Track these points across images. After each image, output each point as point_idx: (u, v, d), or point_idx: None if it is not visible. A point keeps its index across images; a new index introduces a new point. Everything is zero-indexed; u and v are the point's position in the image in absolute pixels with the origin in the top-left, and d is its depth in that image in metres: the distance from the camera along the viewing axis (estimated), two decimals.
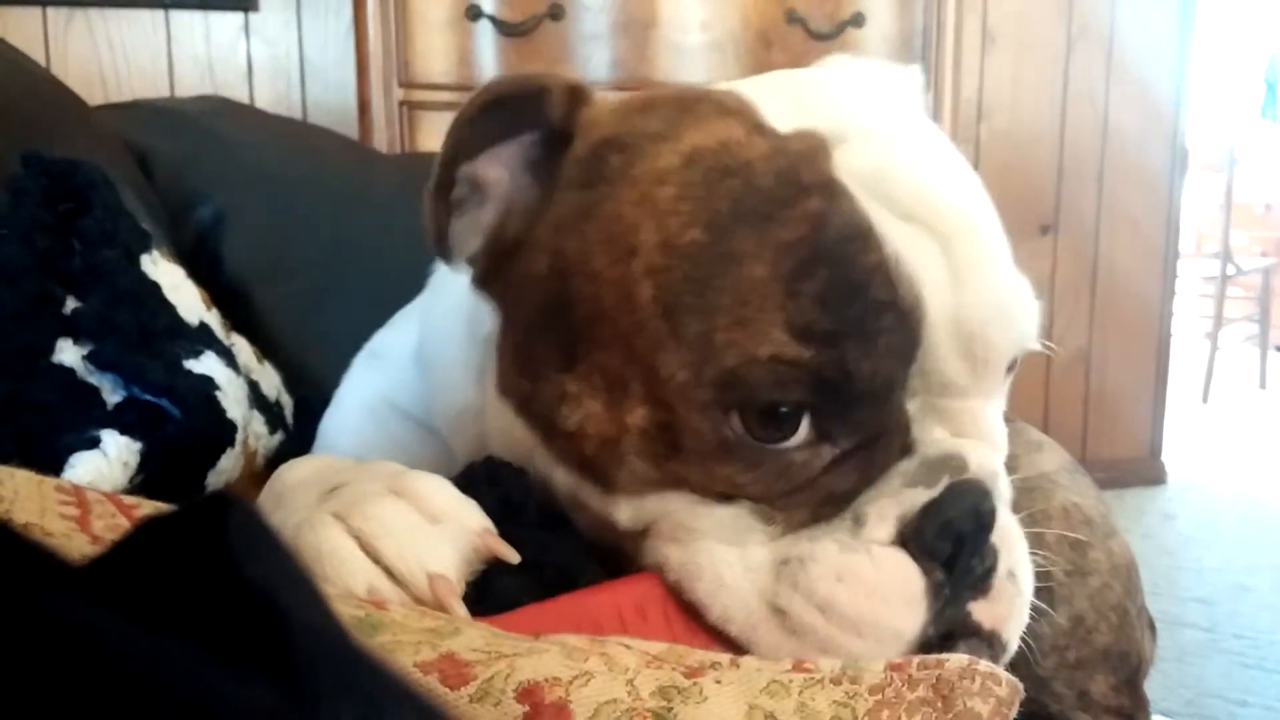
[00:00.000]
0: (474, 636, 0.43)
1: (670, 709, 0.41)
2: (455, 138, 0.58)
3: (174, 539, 0.19)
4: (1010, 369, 0.58)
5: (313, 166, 1.19)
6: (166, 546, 0.19)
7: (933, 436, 0.55)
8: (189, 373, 0.73)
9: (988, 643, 0.55)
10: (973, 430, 0.56)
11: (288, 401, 0.92)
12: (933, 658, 0.48)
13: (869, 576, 0.53)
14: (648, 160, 0.54)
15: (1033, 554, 0.80)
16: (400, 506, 0.51)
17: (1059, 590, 0.79)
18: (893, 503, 0.53)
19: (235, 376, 0.79)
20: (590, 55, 1.91)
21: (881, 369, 0.51)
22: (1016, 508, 0.84)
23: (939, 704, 0.45)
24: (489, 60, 1.90)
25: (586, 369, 0.55)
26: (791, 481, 0.54)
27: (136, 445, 0.65)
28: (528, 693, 0.40)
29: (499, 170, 0.59)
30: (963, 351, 0.53)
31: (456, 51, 1.90)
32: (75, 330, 0.69)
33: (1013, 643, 0.57)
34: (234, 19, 2.23)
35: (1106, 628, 0.80)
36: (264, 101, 2.21)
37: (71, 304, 0.70)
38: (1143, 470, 2.95)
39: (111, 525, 0.43)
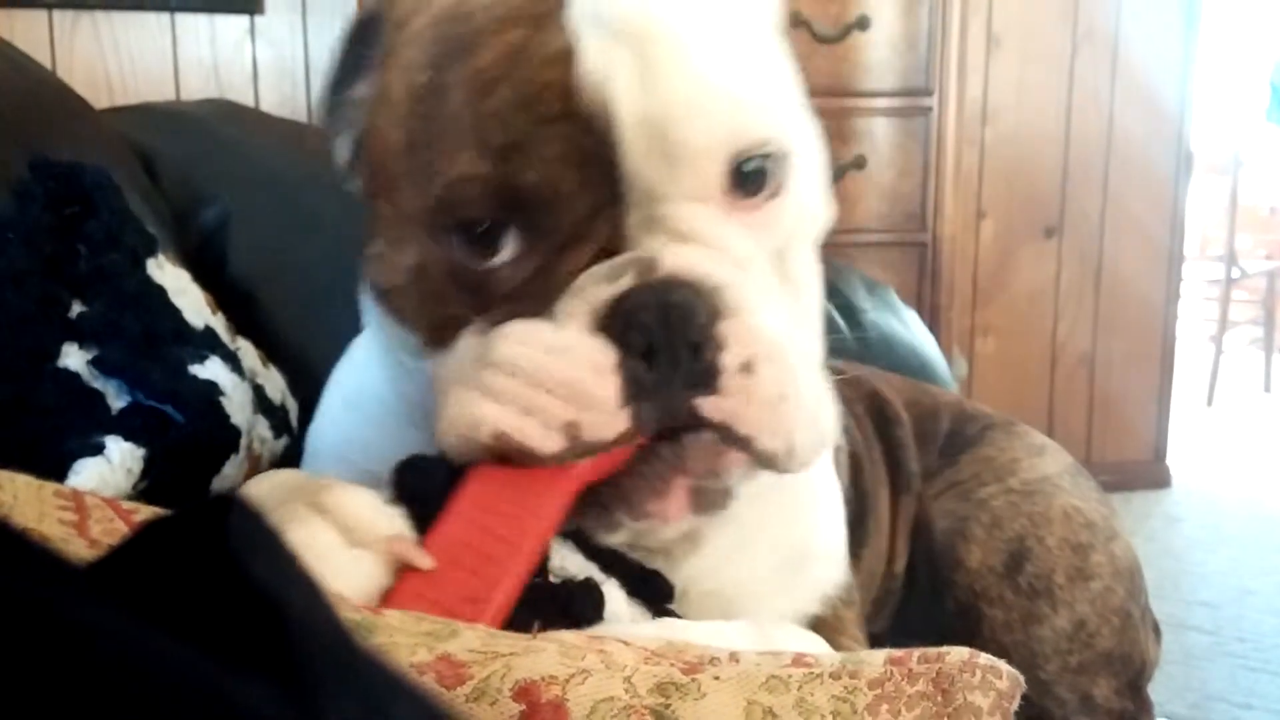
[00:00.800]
0: (470, 638, 0.43)
1: (669, 706, 0.41)
2: (333, 65, 0.65)
3: (178, 540, 0.19)
4: (748, 176, 0.56)
5: (318, 168, 1.19)
6: (170, 547, 0.19)
7: (646, 245, 0.55)
8: (193, 378, 0.73)
9: (722, 436, 0.54)
10: (691, 236, 0.55)
11: (293, 405, 0.92)
12: (933, 651, 0.47)
13: (549, 338, 0.54)
14: (407, 30, 0.60)
15: (1036, 561, 0.80)
16: (317, 526, 0.52)
17: (1060, 594, 0.79)
18: (580, 301, 0.54)
19: (240, 381, 0.79)
20: None
21: (552, 176, 0.53)
22: (1016, 511, 0.85)
23: (939, 698, 0.45)
24: None
25: (383, 227, 0.61)
26: (507, 299, 0.56)
27: (140, 451, 0.65)
28: (524, 691, 0.40)
29: (367, 87, 0.63)
30: (658, 152, 0.53)
31: None
32: (80, 334, 0.69)
33: (764, 438, 0.54)
34: (239, 22, 2.24)
35: (1109, 631, 0.79)
36: (269, 104, 2.21)
37: (77, 308, 0.70)
38: (1147, 474, 2.95)
39: (109, 530, 0.43)
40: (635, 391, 0.53)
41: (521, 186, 0.54)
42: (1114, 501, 0.89)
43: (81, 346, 0.68)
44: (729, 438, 0.54)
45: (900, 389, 0.98)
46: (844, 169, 2.09)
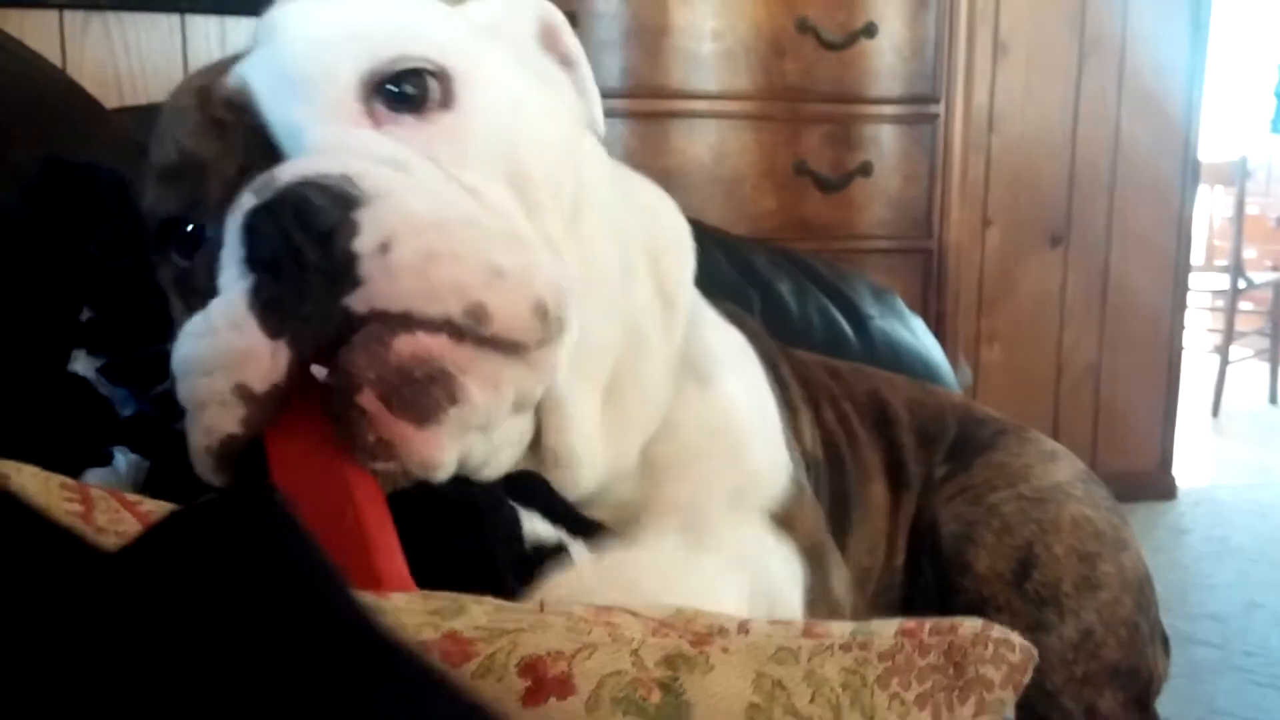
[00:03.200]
0: (478, 614, 0.42)
1: (676, 679, 0.41)
2: None
3: (212, 525, 0.19)
4: (398, 95, 0.55)
5: None
6: (205, 532, 0.19)
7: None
8: None
9: (386, 325, 0.49)
10: (322, 150, 0.53)
11: None
12: (945, 622, 0.46)
13: (211, 315, 0.52)
14: None
15: (1043, 568, 0.80)
16: None
17: (1067, 603, 0.79)
18: (226, 253, 0.52)
19: None
20: (602, 62, 1.91)
21: (190, 147, 0.56)
22: (1026, 517, 0.84)
23: (950, 670, 0.44)
24: None
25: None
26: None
27: (145, 463, 0.65)
28: (530, 667, 0.39)
29: None
30: (286, 93, 0.54)
31: None
32: (90, 340, 0.69)
33: (424, 305, 0.49)
34: (249, 23, 2.24)
35: (1116, 643, 0.79)
36: None
37: (86, 313, 0.70)
38: (1153, 484, 2.94)
39: (115, 519, 0.43)
40: (278, 318, 0.49)
41: (168, 167, 0.56)
42: (1133, 534, 0.89)
43: (90, 353, 0.68)
44: (390, 322, 0.48)
45: (903, 389, 0.98)
46: (850, 175, 2.09)
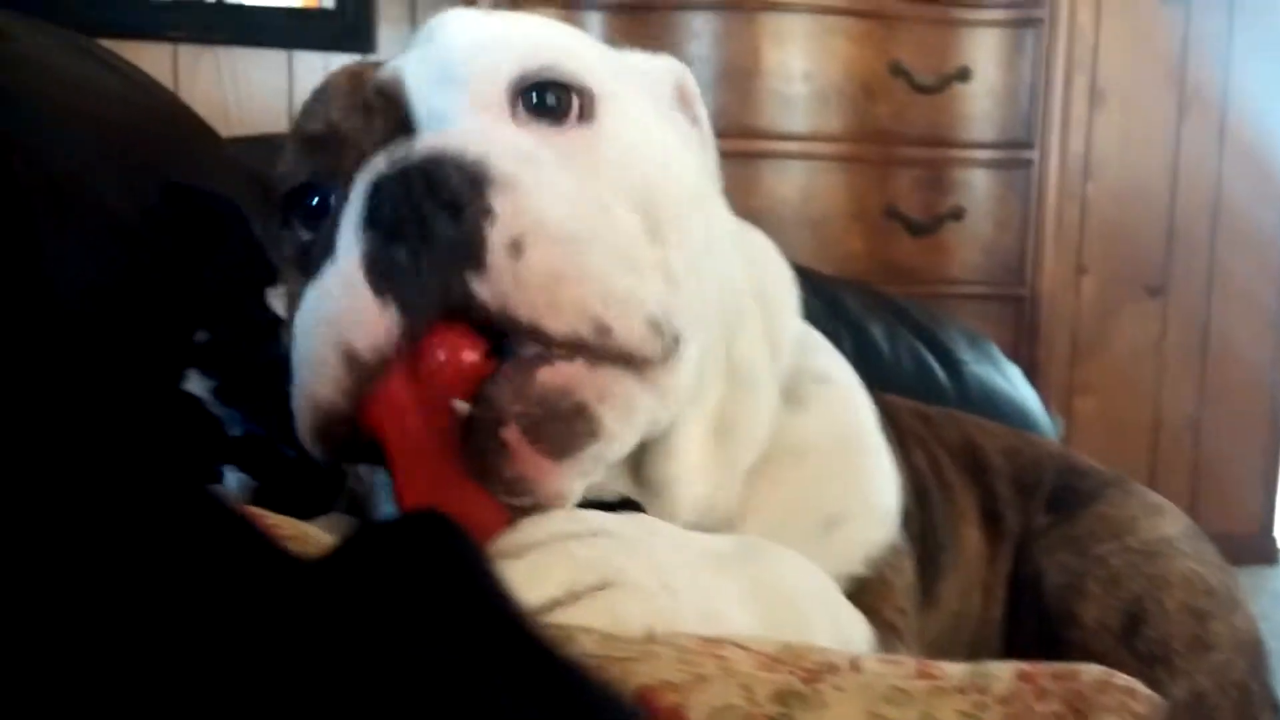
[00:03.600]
0: (587, 643, 0.42)
1: (789, 715, 0.40)
2: None
3: (401, 542, 0.20)
4: (542, 104, 0.56)
5: None
6: (394, 551, 0.20)
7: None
8: None
9: (499, 330, 0.48)
10: (471, 127, 0.54)
11: None
12: (1065, 667, 0.44)
13: (324, 280, 0.52)
14: None
15: (1154, 624, 0.77)
16: None
17: (1179, 662, 0.76)
18: (346, 219, 0.52)
19: None
20: None
21: (336, 120, 0.57)
22: (1135, 570, 0.82)
23: (1071, 719, 0.43)
24: None
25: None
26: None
27: (254, 484, 0.66)
28: (643, 698, 0.39)
29: None
30: (439, 82, 0.55)
31: None
32: (203, 361, 0.71)
33: (550, 321, 0.48)
34: (353, 60, 2.30)
35: (1229, 706, 0.76)
36: None
37: (201, 335, 0.73)
38: (1254, 547, 2.84)
39: None
40: (390, 282, 0.48)
41: (311, 136, 0.57)
42: (1244, 594, 0.85)
43: (204, 374, 0.70)
44: (511, 326, 0.48)
45: (999, 436, 0.96)
46: (941, 220, 2.07)
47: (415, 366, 0.48)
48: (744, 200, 2.04)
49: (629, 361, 0.50)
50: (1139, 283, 2.75)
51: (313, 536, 0.45)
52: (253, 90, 2.27)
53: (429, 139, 0.52)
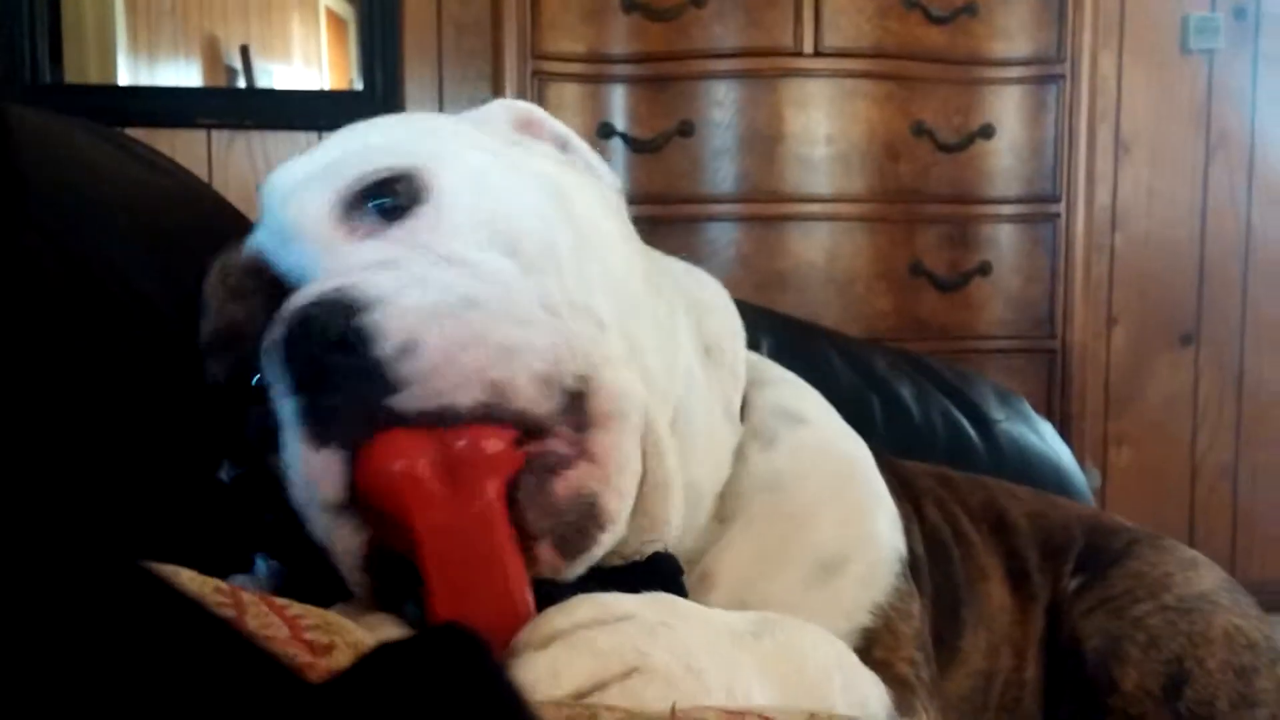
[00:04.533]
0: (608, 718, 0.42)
1: None
2: None
3: (418, 663, 0.20)
4: (369, 207, 0.59)
5: None
6: (412, 669, 0.20)
7: None
8: None
9: (438, 423, 0.50)
10: (323, 273, 0.56)
11: None
12: None
13: (289, 469, 0.54)
14: None
15: (1196, 685, 0.76)
16: None
17: None
18: (273, 383, 0.54)
19: None
20: (718, 169, 1.95)
21: (216, 311, 0.63)
22: (1174, 630, 0.80)
23: None
24: (620, 175, 1.96)
25: None
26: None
27: (281, 569, 0.67)
28: None
29: None
30: (280, 237, 0.60)
31: None
32: (232, 449, 0.72)
33: (463, 393, 0.50)
34: None
35: None
36: None
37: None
38: None
39: (265, 624, 0.44)
40: (326, 429, 0.51)
41: (210, 344, 0.62)
42: None
43: (234, 464, 0.71)
44: (442, 420, 0.50)
45: (1025, 500, 0.95)
46: (968, 276, 2.07)
47: (441, 464, 0.50)
48: (769, 263, 2.06)
49: (525, 426, 0.52)
50: (1171, 331, 2.73)
51: (334, 625, 0.45)
52: None
53: (295, 297, 0.55)
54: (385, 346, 0.50)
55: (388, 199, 0.59)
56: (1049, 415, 1.66)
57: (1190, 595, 0.82)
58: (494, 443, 0.50)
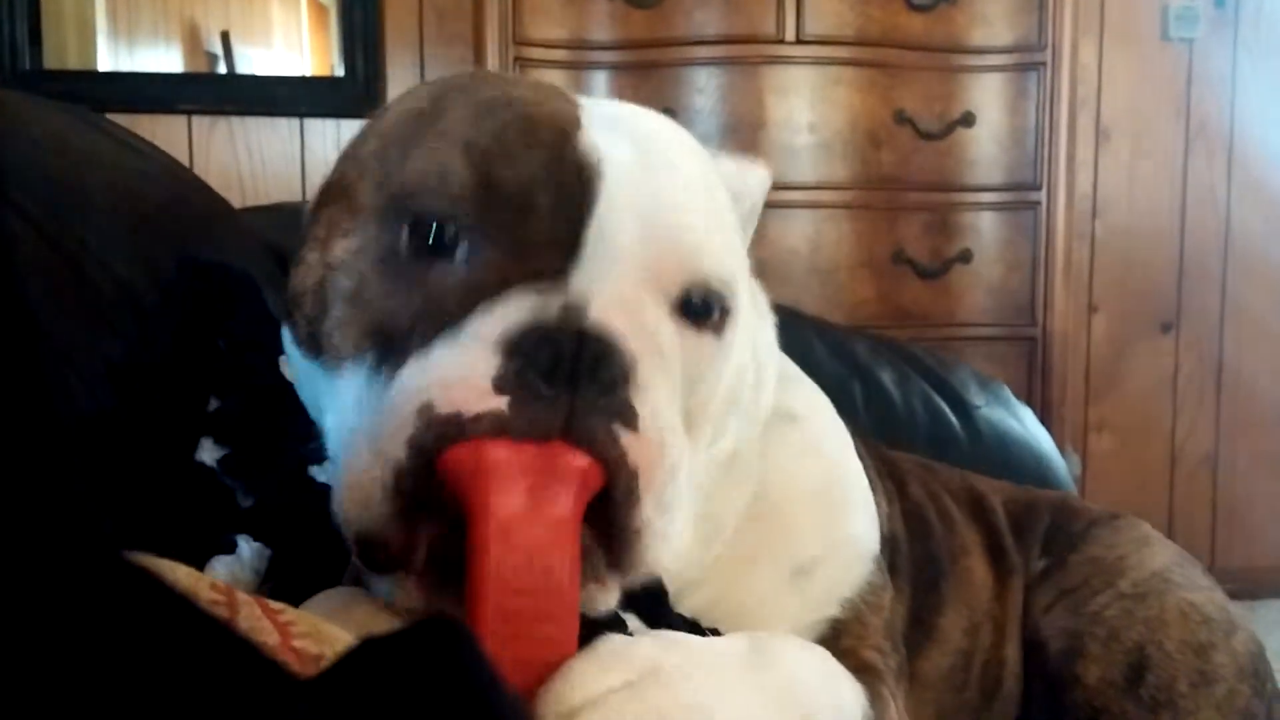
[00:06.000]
0: None
1: None
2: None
3: (404, 658, 0.20)
4: (690, 306, 0.57)
5: None
6: (397, 664, 0.20)
7: (583, 294, 0.53)
8: (311, 482, 0.75)
9: (627, 488, 0.50)
10: (626, 309, 0.53)
11: None
12: None
13: (437, 358, 0.51)
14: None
15: (1156, 669, 0.77)
16: None
17: (1184, 704, 0.75)
18: (493, 320, 0.51)
19: None
20: None
21: (528, 189, 0.54)
22: (1131, 618, 0.82)
23: None
24: None
25: (319, 228, 0.60)
26: (433, 301, 0.53)
27: (267, 552, 0.67)
28: None
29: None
30: (633, 234, 0.55)
31: None
32: (215, 430, 0.72)
33: (648, 510, 0.51)
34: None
35: None
36: None
37: (214, 403, 0.74)
38: (1275, 581, 2.80)
39: (256, 627, 0.44)
40: (524, 392, 0.49)
41: (497, 185, 0.54)
42: (1240, 611, 0.85)
43: (216, 442, 0.71)
44: (629, 490, 0.50)
45: (998, 487, 0.97)
46: (949, 263, 2.08)
47: (543, 466, 0.49)
48: (752, 251, 2.06)
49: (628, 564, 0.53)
50: (1151, 319, 2.75)
51: (325, 635, 0.45)
52: (265, 158, 2.31)
53: (598, 311, 0.52)
54: (645, 414, 0.51)
55: (708, 312, 0.58)
56: (1030, 402, 1.67)
57: (1144, 578, 0.84)
58: (582, 459, 0.50)
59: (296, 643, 0.44)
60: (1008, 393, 1.38)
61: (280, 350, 0.82)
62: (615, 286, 0.53)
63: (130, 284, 0.75)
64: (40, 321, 0.67)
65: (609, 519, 0.51)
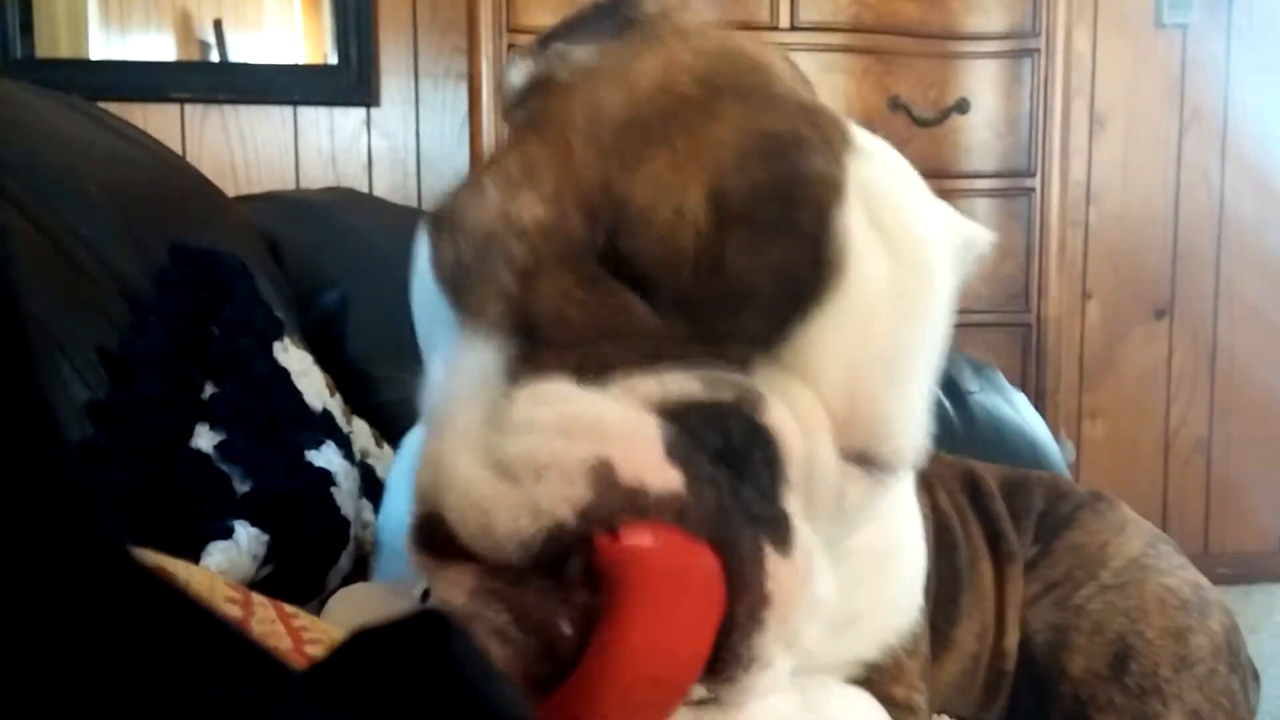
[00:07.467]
0: None
1: None
2: (572, 18, 0.58)
3: (394, 651, 0.20)
4: (867, 461, 0.50)
5: None
6: (388, 657, 0.20)
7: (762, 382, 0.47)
8: (309, 467, 0.75)
9: (753, 614, 0.44)
10: (807, 428, 0.47)
11: None
12: None
13: (574, 397, 0.44)
14: (679, 36, 0.55)
15: (1140, 658, 0.78)
16: None
17: (1168, 688, 0.76)
18: (655, 380, 0.45)
19: (350, 468, 0.81)
20: None
21: (758, 267, 0.46)
22: (1114, 609, 0.83)
23: None
24: None
25: (509, 161, 0.51)
26: (606, 329, 0.46)
27: (265, 537, 0.67)
28: None
29: (594, 55, 0.57)
30: (845, 378, 0.48)
31: None
32: (211, 416, 0.72)
33: (771, 651, 0.45)
34: (357, 114, 2.34)
35: (1223, 716, 0.77)
36: (381, 190, 2.30)
37: (209, 389, 0.74)
38: (1270, 565, 2.82)
39: (270, 631, 0.44)
40: (695, 470, 0.43)
41: (730, 255, 0.46)
42: (1233, 596, 0.87)
43: (212, 428, 0.71)
44: (755, 618, 0.44)
45: (992, 470, 0.97)
46: None
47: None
48: None
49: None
50: (1145, 305, 2.76)
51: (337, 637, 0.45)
52: (258, 146, 2.31)
53: (776, 414, 0.46)
54: (799, 537, 0.46)
55: (874, 468, 0.52)
56: (1024, 388, 1.67)
57: (1123, 566, 0.85)
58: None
59: (308, 648, 0.44)
60: (1001, 379, 1.38)
61: (274, 337, 0.82)
62: (799, 407, 0.47)
63: (123, 272, 0.75)
64: (33, 310, 0.67)
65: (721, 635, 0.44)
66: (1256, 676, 0.86)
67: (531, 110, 0.54)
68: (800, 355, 0.47)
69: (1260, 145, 2.75)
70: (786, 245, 0.47)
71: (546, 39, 0.57)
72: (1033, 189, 2.12)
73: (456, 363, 0.48)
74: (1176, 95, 2.71)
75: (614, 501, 0.42)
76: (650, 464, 0.43)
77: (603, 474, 0.42)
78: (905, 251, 0.50)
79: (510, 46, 1.94)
